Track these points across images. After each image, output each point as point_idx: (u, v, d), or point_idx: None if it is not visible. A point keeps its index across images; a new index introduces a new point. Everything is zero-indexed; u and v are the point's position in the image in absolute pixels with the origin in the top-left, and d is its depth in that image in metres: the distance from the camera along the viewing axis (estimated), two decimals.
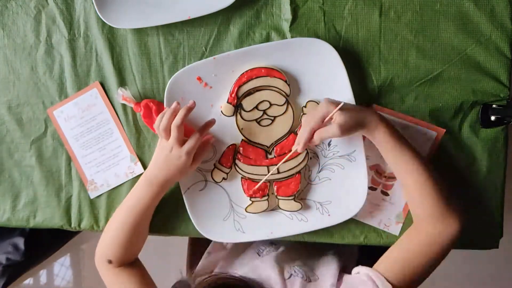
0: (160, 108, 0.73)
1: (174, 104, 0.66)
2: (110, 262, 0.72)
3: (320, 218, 0.73)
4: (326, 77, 0.71)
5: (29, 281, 1.76)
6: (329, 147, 0.73)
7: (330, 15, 0.72)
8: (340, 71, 0.69)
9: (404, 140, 0.65)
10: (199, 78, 0.72)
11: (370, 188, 0.73)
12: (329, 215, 0.73)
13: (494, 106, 0.70)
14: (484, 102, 0.71)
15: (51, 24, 0.77)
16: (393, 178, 0.73)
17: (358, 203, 0.71)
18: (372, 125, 0.64)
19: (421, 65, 0.71)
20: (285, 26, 0.72)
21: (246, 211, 0.74)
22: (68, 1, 0.76)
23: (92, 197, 0.79)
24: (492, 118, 0.70)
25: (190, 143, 0.66)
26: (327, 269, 0.71)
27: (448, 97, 0.71)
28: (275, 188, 0.73)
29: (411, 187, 0.66)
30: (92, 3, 0.73)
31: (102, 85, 0.77)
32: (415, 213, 0.68)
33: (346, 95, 0.69)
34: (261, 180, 0.72)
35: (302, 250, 0.81)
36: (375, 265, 0.65)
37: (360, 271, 0.66)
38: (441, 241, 0.63)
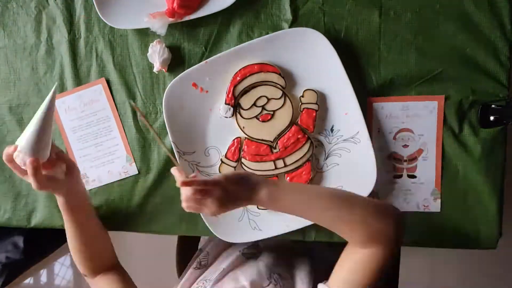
0: None
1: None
2: (85, 275, 0.76)
3: None
4: (318, 64, 0.71)
5: (29, 280, 1.76)
6: (332, 133, 0.73)
7: (330, 15, 0.72)
8: (332, 56, 0.69)
9: (302, 185, 0.68)
10: (194, 84, 0.72)
11: (395, 176, 0.73)
12: None
13: (493, 106, 0.70)
14: (484, 102, 0.71)
15: (51, 25, 0.77)
16: (414, 159, 0.73)
17: (369, 183, 0.71)
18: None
19: (421, 65, 0.71)
20: (285, 26, 0.72)
21: (258, 208, 0.74)
22: (68, 2, 0.76)
23: None
24: (491, 118, 0.70)
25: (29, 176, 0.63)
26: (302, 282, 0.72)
27: (447, 97, 0.71)
28: (287, 180, 0.73)
29: (331, 224, 0.63)
30: (93, 4, 0.73)
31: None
32: (345, 238, 0.64)
33: (342, 79, 0.69)
34: (269, 174, 0.72)
35: (283, 258, 0.80)
36: (329, 283, 0.63)
37: None
38: (376, 258, 0.61)
